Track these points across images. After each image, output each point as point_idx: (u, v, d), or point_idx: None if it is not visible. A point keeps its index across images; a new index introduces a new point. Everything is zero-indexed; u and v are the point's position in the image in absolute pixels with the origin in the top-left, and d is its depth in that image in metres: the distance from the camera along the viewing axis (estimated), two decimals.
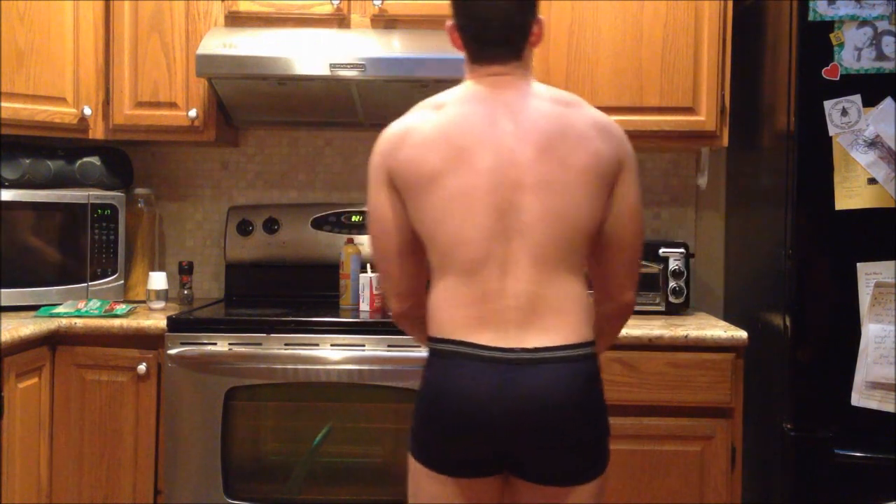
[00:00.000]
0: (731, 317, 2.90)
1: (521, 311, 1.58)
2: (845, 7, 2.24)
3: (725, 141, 2.71)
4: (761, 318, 2.54)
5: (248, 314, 2.68)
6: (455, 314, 1.61)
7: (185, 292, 2.90)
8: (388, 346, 2.43)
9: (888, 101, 2.23)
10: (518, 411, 1.56)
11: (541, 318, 1.58)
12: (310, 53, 2.60)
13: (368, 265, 2.80)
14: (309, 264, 3.01)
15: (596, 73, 2.68)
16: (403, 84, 2.60)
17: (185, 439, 2.45)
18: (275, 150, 3.16)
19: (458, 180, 1.59)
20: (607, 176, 1.61)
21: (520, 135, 1.60)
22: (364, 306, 2.71)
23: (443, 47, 2.67)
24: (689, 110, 2.68)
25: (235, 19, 2.77)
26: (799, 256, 2.30)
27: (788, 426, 2.32)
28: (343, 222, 3.00)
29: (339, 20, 2.76)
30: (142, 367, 2.47)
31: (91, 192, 2.79)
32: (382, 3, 2.72)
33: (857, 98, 2.24)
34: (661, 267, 2.72)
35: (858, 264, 2.25)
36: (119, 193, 2.85)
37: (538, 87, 1.68)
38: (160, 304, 2.79)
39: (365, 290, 2.71)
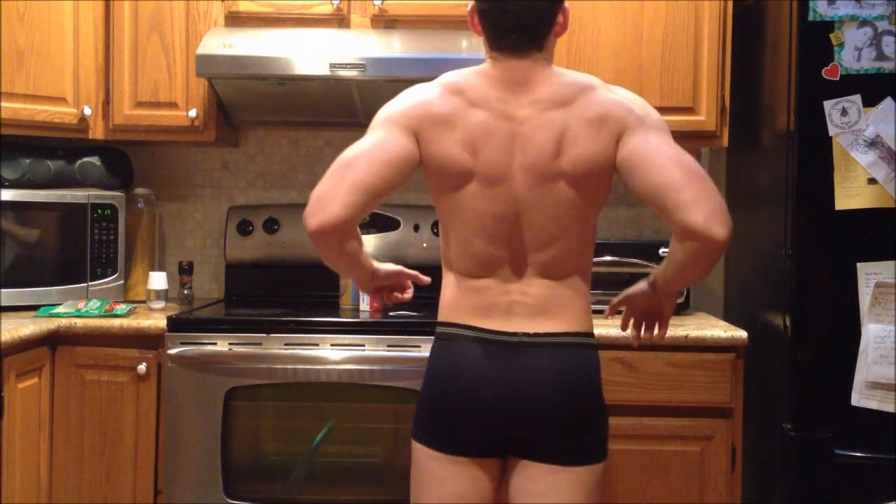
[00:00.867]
0: (731, 317, 2.90)
1: (528, 307, 1.65)
2: (845, 7, 2.24)
3: (725, 141, 2.71)
4: (761, 318, 2.54)
5: (248, 314, 2.68)
6: (462, 303, 1.68)
7: (185, 292, 2.90)
8: (388, 346, 2.43)
9: (888, 101, 2.23)
10: (521, 392, 1.61)
11: (545, 312, 1.65)
12: (310, 53, 2.60)
13: None
14: (309, 264, 3.00)
15: (596, 73, 2.60)
16: (403, 84, 2.57)
17: (185, 439, 2.45)
18: (275, 150, 3.16)
19: (473, 192, 1.63)
20: (608, 166, 1.61)
21: (529, 165, 1.60)
22: (364, 306, 2.71)
23: (443, 47, 2.68)
24: (689, 110, 2.68)
25: (235, 19, 2.77)
26: (799, 256, 2.30)
27: (788, 426, 2.31)
28: None
29: (339, 20, 2.76)
30: (142, 367, 2.47)
31: (91, 192, 2.79)
32: (382, 3, 2.72)
33: (857, 98, 2.24)
34: None
35: (858, 264, 2.25)
36: (119, 193, 2.85)
37: (556, 86, 1.62)
38: (160, 304, 2.79)
39: None
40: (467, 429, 1.65)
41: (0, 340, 2.19)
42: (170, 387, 2.45)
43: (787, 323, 2.33)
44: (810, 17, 2.26)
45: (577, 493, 1.63)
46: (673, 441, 2.41)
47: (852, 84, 2.25)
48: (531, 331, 1.63)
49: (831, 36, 2.25)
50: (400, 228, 2.99)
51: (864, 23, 2.24)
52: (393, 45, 2.65)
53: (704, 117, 2.67)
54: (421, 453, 1.70)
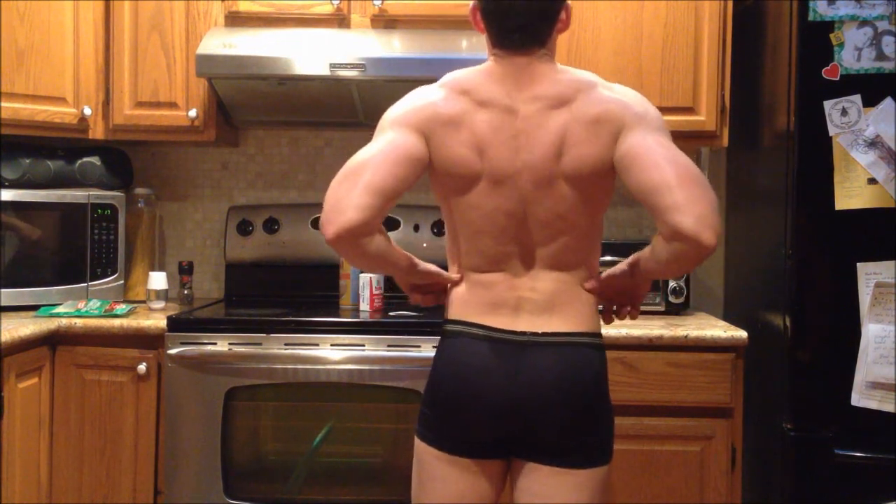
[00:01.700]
0: (731, 317, 2.90)
1: (536, 303, 1.65)
2: (845, 7, 2.24)
3: (725, 141, 2.71)
4: (761, 318, 2.54)
5: (248, 314, 2.68)
6: (470, 300, 1.68)
7: (185, 292, 2.90)
8: (388, 346, 2.43)
9: (888, 101, 2.23)
10: (525, 392, 1.61)
11: (552, 310, 1.65)
12: (310, 53, 2.60)
13: None
14: (309, 264, 3.01)
15: (596, 73, 2.67)
16: (403, 84, 2.58)
17: (185, 439, 2.45)
18: (275, 150, 3.16)
19: (480, 192, 1.62)
20: (608, 166, 1.61)
21: (533, 164, 1.60)
22: (364, 306, 2.71)
23: (443, 47, 2.68)
24: (689, 110, 2.68)
25: (235, 19, 2.77)
26: (799, 256, 2.30)
27: (788, 426, 2.31)
28: None
29: (339, 20, 2.76)
30: (142, 367, 2.47)
31: (91, 192, 2.79)
32: (382, 3, 2.72)
33: (857, 98, 2.24)
34: None
35: (858, 264, 2.25)
36: (119, 193, 2.85)
37: (555, 83, 1.62)
38: (160, 304, 2.79)
39: (365, 290, 2.71)
40: (472, 429, 1.65)
41: (0, 340, 2.19)
42: (170, 387, 2.45)
43: (787, 323, 2.33)
44: (810, 17, 2.26)
45: (582, 495, 1.62)
46: (673, 441, 2.41)
47: (852, 84, 2.25)
48: (539, 329, 1.63)
49: (831, 36, 2.25)
50: (400, 228, 2.99)
51: (864, 23, 2.24)
52: (393, 45, 2.65)
53: (704, 117, 2.67)
54: (423, 451, 1.70)
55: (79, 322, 2.50)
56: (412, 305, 2.76)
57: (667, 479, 2.41)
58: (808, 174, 2.28)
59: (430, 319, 2.51)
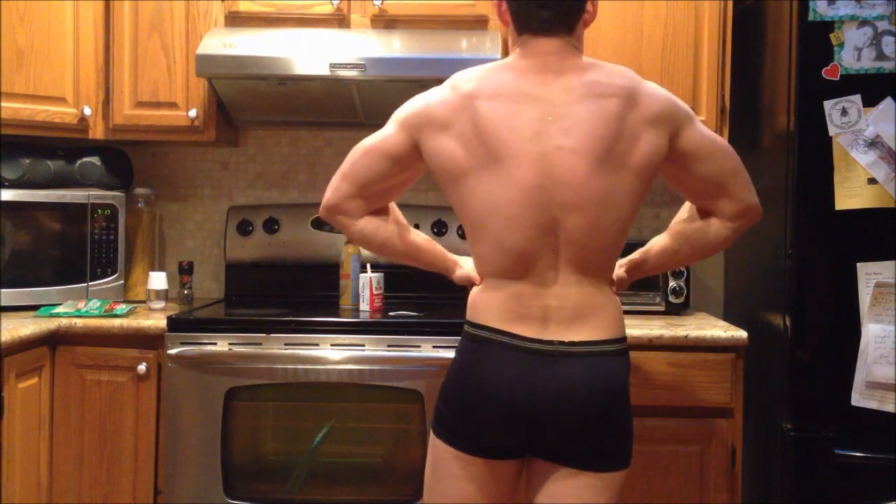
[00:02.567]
0: (731, 317, 2.90)
1: (563, 311, 1.62)
2: (845, 7, 2.24)
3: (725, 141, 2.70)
4: (761, 318, 2.54)
5: (248, 314, 2.68)
6: (494, 306, 1.64)
7: (185, 292, 2.90)
8: (388, 346, 2.43)
9: (888, 101, 2.23)
10: (553, 403, 1.59)
11: (579, 319, 1.62)
12: (310, 53, 2.60)
13: (368, 265, 2.80)
14: (309, 264, 3.01)
15: None
16: (403, 84, 2.60)
17: (185, 439, 2.45)
18: (275, 150, 3.16)
19: (489, 187, 1.59)
20: (659, 161, 1.62)
21: (573, 148, 1.56)
22: (364, 306, 2.71)
23: (443, 47, 2.68)
24: None
25: (235, 19, 2.77)
26: (799, 256, 2.30)
27: (788, 426, 2.31)
28: None
29: (339, 20, 2.76)
30: (142, 367, 2.47)
31: (91, 192, 2.79)
32: (382, 3, 2.72)
33: (857, 98, 2.24)
34: None
35: (858, 264, 2.25)
36: (119, 193, 2.85)
37: (590, 73, 1.59)
38: (160, 304, 2.79)
39: (365, 290, 2.71)
40: (493, 434, 1.64)
41: (0, 340, 2.19)
42: (170, 387, 2.45)
43: (787, 323, 2.33)
44: (810, 17, 2.26)
45: (601, 496, 1.62)
46: (673, 441, 2.41)
47: (852, 84, 2.24)
48: (567, 339, 1.60)
49: (831, 36, 2.25)
50: None
51: (864, 23, 2.24)
52: (393, 45, 2.65)
53: (704, 117, 2.67)
54: (439, 448, 1.69)
55: (79, 322, 2.50)
56: (412, 306, 2.77)
57: (667, 479, 2.41)
58: (808, 174, 2.28)
59: (431, 319, 2.51)
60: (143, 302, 2.85)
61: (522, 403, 1.59)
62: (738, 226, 1.73)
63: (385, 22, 2.75)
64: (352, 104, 2.80)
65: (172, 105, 2.78)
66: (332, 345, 2.44)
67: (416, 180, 1.80)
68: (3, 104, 2.59)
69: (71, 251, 2.77)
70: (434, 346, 2.41)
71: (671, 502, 2.41)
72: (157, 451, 2.51)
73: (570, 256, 1.61)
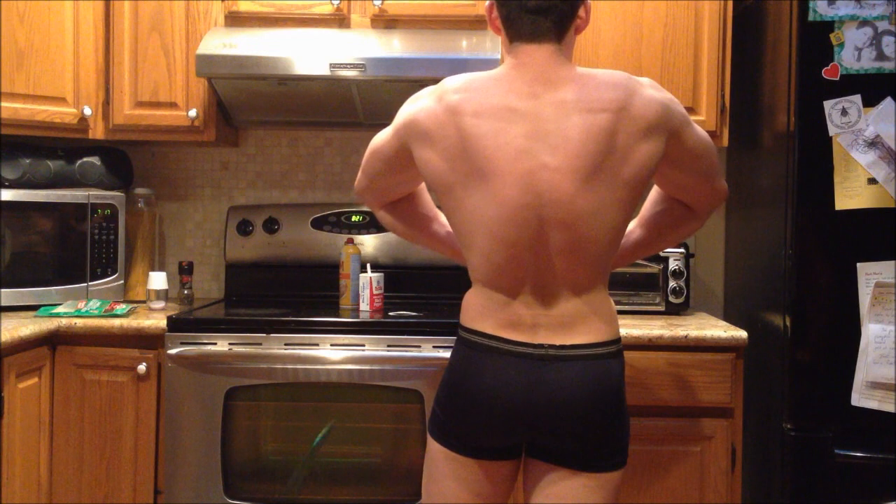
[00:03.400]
0: (731, 317, 2.90)
1: (553, 320, 1.62)
2: (845, 7, 2.24)
3: (725, 141, 2.71)
4: (761, 318, 2.54)
5: (248, 314, 2.68)
6: (485, 313, 1.65)
7: (185, 292, 2.90)
8: (388, 346, 2.43)
9: (888, 101, 2.24)
10: (545, 404, 1.59)
11: (570, 326, 1.62)
12: (310, 53, 2.60)
13: (368, 265, 2.80)
14: (309, 264, 3.01)
15: None
16: (403, 84, 2.60)
17: (185, 439, 2.45)
18: (275, 150, 3.16)
19: (475, 202, 1.58)
20: (655, 166, 1.61)
21: (557, 167, 1.53)
22: (364, 306, 2.71)
23: (443, 47, 2.68)
24: (689, 110, 2.63)
25: (235, 19, 2.77)
26: (799, 256, 2.30)
27: (788, 426, 2.32)
28: (343, 222, 3.00)
29: (339, 20, 2.76)
30: (142, 367, 2.47)
31: (91, 192, 2.79)
32: (382, 3, 2.72)
33: (857, 98, 2.24)
34: (661, 267, 2.72)
35: (858, 264, 2.25)
36: (119, 193, 2.85)
37: (581, 86, 1.56)
38: (160, 304, 2.79)
39: (365, 290, 2.71)
40: (488, 437, 1.65)
41: (0, 340, 2.19)
42: (170, 387, 2.45)
43: (787, 323, 2.33)
44: (810, 17, 2.26)
45: (597, 496, 1.63)
46: (673, 441, 2.41)
47: (852, 84, 2.25)
48: (558, 343, 1.60)
49: (831, 36, 2.25)
50: None
51: (864, 23, 2.24)
52: (393, 45, 2.65)
53: (704, 117, 2.67)
54: (435, 450, 1.70)
55: (79, 322, 2.51)
56: (412, 306, 2.76)
57: (667, 480, 2.41)
58: (808, 174, 2.28)
59: (431, 319, 2.51)
60: (143, 302, 2.85)
61: (516, 405, 1.60)
62: (710, 213, 1.83)
63: (385, 22, 2.75)
64: (352, 104, 2.80)
65: (172, 105, 2.78)
66: (331, 345, 2.44)
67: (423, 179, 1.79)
68: (3, 104, 2.59)
69: (71, 251, 2.77)
70: (434, 346, 2.41)
71: (671, 502, 2.41)
72: (157, 450, 2.51)
73: (559, 270, 1.59)
